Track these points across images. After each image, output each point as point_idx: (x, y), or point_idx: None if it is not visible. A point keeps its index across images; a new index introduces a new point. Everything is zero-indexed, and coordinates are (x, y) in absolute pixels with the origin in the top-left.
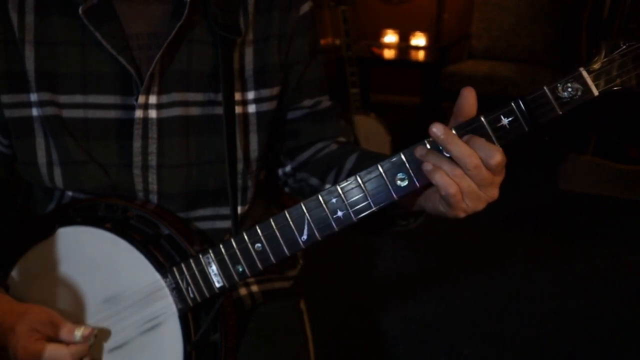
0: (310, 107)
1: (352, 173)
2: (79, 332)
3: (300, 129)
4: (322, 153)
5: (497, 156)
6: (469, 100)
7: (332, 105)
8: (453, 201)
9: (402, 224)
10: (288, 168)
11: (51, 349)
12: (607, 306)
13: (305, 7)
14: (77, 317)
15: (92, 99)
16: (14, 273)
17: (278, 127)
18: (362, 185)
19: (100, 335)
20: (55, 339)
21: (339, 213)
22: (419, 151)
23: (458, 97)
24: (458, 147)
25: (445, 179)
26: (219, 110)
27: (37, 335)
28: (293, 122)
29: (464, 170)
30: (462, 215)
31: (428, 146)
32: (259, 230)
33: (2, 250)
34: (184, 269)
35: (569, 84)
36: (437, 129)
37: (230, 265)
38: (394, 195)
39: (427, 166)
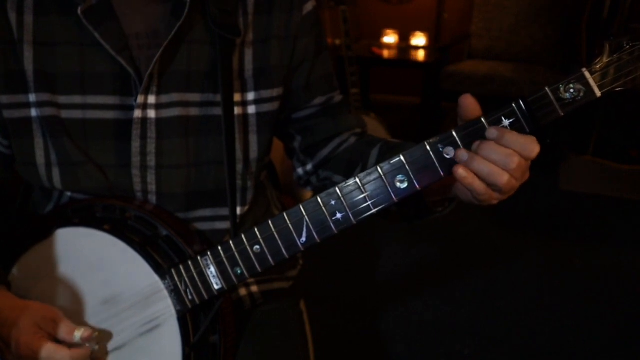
0: (322, 104)
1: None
2: (78, 333)
3: (315, 125)
4: (342, 148)
5: (535, 148)
6: (468, 107)
7: (343, 99)
8: (487, 200)
9: (438, 210)
10: (309, 166)
11: (52, 349)
12: (607, 306)
13: (309, 7)
14: (76, 318)
15: (91, 99)
16: (13, 273)
17: (291, 127)
18: (361, 187)
19: (101, 338)
20: (54, 337)
21: (338, 215)
22: (460, 155)
23: (458, 106)
24: (495, 153)
25: (481, 187)
26: (218, 110)
27: (41, 332)
28: (307, 119)
29: (508, 171)
30: (495, 202)
31: (428, 148)
32: (257, 233)
33: (1, 250)
34: (183, 271)
35: (571, 85)
36: (463, 154)
37: (228, 268)
38: (394, 198)
39: (462, 173)
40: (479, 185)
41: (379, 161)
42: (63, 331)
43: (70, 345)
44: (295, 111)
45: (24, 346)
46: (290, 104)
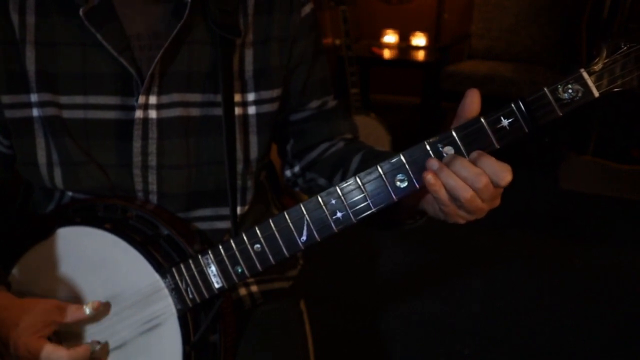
0: (317, 108)
1: (357, 174)
2: (87, 307)
3: (307, 129)
4: (329, 152)
5: (507, 177)
6: (473, 100)
7: (337, 104)
8: (452, 215)
9: (409, 222)
10: (297, 168)
11: (51, 349)
12: (607, 306)
13: (307, 9)
14: None
15: (92, 99)
16: (14, 273)
17: (285, 129)
18: (361, 186)
19: (101, 337)
20: (63, 323)
21: (339, 214)
22: (430, 164)
23: (463, 97)
24: (465, 169)
25: (445, 198)
26: (219, 111)
27: (40, 332)
28: (300, 122)
29: (474, 190)
30: (462, 222)
31: (428, 147)
32: (258, 232)
33: (2, 250)
34: (183, 269)
35: (570, 85)
36: (434, 163)
37: (229, 266)
38: (394, 197)
39: (430, 179)
40: (443, 194)
41: (359, 168)
42: (71, 312)
43: (69, 345)
44: (291, 113)
45: (23, 347)
46: (287, 106)
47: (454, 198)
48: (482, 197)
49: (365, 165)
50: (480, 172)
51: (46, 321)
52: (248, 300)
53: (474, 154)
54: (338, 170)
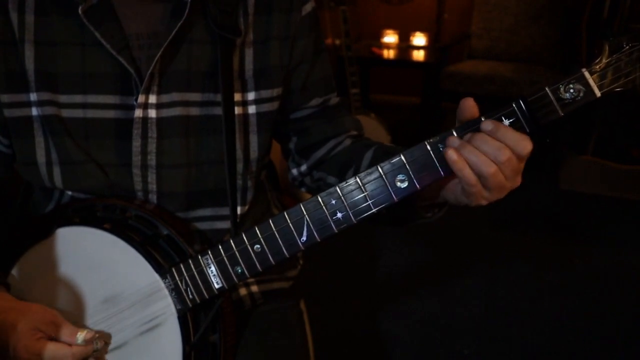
0: (319, 105)
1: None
2: (81, 336)
3: (311, 126)
4: (337, 150)
5: (528, 145)
6: (468, 110)
7: (341, 101)
8: (477, 196)
9: (427, 216)
10: (304, 167)
11: (53, 348)
12: (607, 306)
13: (308, 7)
14: (77, 317)
15: (92, 98)
16: (13, 273)
17: (287, 127)
18: (361, 186)
19: (102, 336)
20: (55, 339)
21: (339, 214)
22: (450, 141)
23: (458, 108)
24: (487, 144)
25: (471, 176)
26: (219, 110)
27: (39, 334)
28: (303, 120)
29: (497, 164)
30: (484, 203)
31: (428, 147)
32: (258, 232)
33: (1, 250)
34: (183, 270)
35: (571, 85)
36: (454, 140)
37: (229, 267)
38: (394, 197)
39: (452, 155)
40: (468, 173)
41: (372, 164)
42: (65, 333)
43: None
44: (293, 112)
45: (23, 350)
46: (287, 104)
47: (478, 175)
48: (504, 172)
49: (378, 162)
50: (502, 146)
51: (43, 332)
52: (248, 300)
53: (489, 125)
54: (349, 167)
